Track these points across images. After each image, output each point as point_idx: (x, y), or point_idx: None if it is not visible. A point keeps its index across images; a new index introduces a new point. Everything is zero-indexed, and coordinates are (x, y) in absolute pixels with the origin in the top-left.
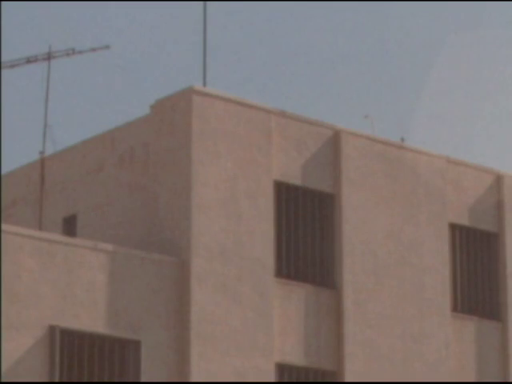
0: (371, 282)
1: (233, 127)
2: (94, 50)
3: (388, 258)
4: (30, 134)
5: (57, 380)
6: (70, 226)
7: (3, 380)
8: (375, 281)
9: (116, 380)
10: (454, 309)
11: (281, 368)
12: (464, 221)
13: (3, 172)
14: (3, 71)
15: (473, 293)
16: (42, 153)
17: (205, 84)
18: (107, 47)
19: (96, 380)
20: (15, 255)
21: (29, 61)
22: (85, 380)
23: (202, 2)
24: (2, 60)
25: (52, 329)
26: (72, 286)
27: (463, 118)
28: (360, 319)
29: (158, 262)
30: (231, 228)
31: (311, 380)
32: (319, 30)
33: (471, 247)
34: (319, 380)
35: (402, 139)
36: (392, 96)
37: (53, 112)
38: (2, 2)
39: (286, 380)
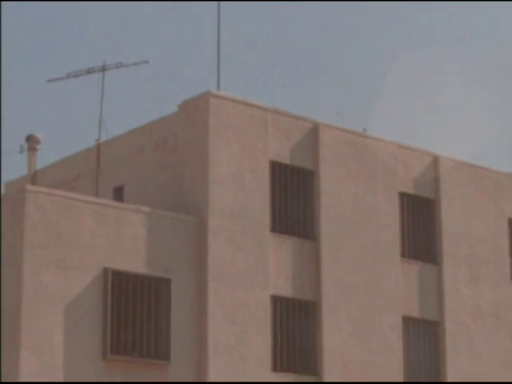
0: (341, 235)
1: (239, 121)
2: (136, 64)
3: (354, 218)
4: (89, 126)
5: (109, 309)
6: (118, 194)
7: (68, 307)
8: (344, 235)
9: (153, 304)
10: (403, 255)
11: (274, 299)
12: (410, 190)
13: (71, 154)
14: (70, 80)
15: (417, 243)
16: (98, 140)
17: (218, 88)
18: (146, 62)
19: (138, 305)
20: (78, 216)
21: (88, 72)
22: (130, 306)
23: (215, 26)
24: (69, 71)
25: (105, 270)
26: (120, 239)
27: (410, 114)
28: (333, 263)
29: (184, 221)
30: (238, 195)
31: (297, 307)
32: (304, 46)
33: (415, 210)
34: (303, 307)
35: (364, 130)
36: (357, 97)
37: (106, 110)
38: (72, 27)
39: (278, 308)
